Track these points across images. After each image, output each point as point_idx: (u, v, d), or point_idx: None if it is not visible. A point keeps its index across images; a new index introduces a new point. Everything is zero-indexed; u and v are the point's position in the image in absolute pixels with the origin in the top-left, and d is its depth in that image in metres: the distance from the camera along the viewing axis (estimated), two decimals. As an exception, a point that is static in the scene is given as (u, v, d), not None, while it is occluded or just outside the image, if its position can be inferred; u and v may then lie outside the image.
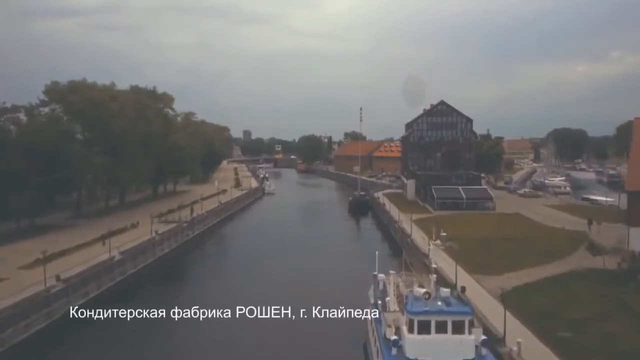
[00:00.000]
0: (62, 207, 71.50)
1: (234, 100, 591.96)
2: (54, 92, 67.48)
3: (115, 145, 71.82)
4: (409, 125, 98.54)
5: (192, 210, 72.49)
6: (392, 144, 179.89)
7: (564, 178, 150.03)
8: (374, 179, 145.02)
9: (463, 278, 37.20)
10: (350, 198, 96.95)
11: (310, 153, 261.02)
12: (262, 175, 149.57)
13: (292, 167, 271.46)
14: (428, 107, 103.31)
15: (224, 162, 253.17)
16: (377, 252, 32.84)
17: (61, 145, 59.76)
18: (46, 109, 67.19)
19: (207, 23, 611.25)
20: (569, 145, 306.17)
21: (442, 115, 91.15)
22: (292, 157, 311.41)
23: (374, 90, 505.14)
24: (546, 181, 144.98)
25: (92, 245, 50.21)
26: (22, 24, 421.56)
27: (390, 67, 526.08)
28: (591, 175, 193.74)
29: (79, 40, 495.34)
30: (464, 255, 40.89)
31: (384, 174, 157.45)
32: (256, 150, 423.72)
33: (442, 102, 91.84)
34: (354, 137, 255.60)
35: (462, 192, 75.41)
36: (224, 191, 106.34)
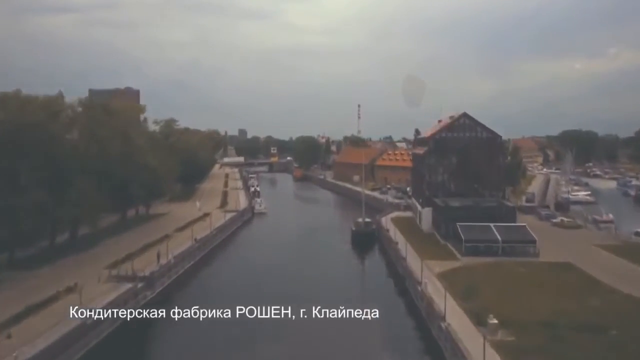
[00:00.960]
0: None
1: (232, 96, 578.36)
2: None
3: (60, 176, 56.33)
4: (422, 142, 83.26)
5: (158, 256, 57.19)
6: (396, 152, 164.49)
7: (589, 192, 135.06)
8: (377, 193, 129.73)
9: None
10: (354, 228, 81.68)
11: (308, 156, 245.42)
12: (253, 188, 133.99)
13: (288, 171, 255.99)
14: (443, 117, 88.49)
15: (216, 167, 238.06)
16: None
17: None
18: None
19: (205, 19, 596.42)
20: (579, 147, 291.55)
21: (464, 130, 75.89)
22: (289, 158, 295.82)
23: (372, 87, 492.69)
24: (570, 196, 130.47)
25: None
26: (19, 20, 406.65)
27: (388, 62, 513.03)
28: (610, 184, 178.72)
29: (77, 36, 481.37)
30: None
31: (388, 186, 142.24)
32: (252, 150, 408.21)
33: (464, 115, 76.52)
34: (354, 141, 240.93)
35: (495, 232, 60.18)
36: (205, 216, 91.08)
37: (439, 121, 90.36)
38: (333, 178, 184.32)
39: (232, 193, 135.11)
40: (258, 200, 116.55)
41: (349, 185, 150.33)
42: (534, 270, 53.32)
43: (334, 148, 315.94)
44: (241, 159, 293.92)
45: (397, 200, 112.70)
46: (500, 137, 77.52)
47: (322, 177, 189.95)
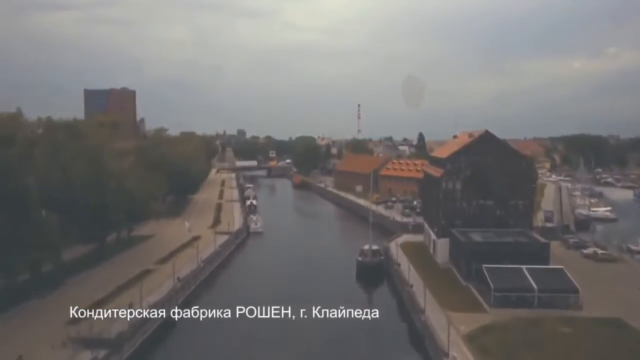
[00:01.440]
0: None
1: (231, 95, 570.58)
2: None
3: (14, 210, 47.21)
4: (437, 162, 74.18)
5: (129, 309, 47.93)
6: (401, 161, 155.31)
7: (609, 208, 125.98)
8: (382, 208, 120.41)
9: None
10: (359, 258, 72.58)
11: (307, 160, 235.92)
12: (249, 201, 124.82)
13: (287, 176, 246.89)
14: (460, 133, 79.52)
15: (213, 171, 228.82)
16: None
17: None
18: None
19: (204, 17, 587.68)
20: (587, 152, 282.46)
21: (486, 151, 66.74)
22: (288, 161, 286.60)
23: (372, 87, 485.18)
24: (590, 212, 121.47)
25: None
26: (17, 17, 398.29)
27: (388, 63, 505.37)
28: (625, 194, 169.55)
29: (75, 34, 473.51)
30: None
31: (394, 199, 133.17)
32: (250, 152, 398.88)
33: (486, 134, 67.43)
34: (356, 147, 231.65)
35: (529, 277, 51.10)
36: (195, 240, 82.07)
37: (455, 137, 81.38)
38: (334, 186, 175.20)
39: (226, 207, 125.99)
40: (254, 218, 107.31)
41: (351, 197, 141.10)
42: (580, 331, 44.23)
43: (334, 150, 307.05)
44: (239, 163, 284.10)
45: (405, 219, 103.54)
46: (527, 159, 68.41)
47: (322, 185, 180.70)
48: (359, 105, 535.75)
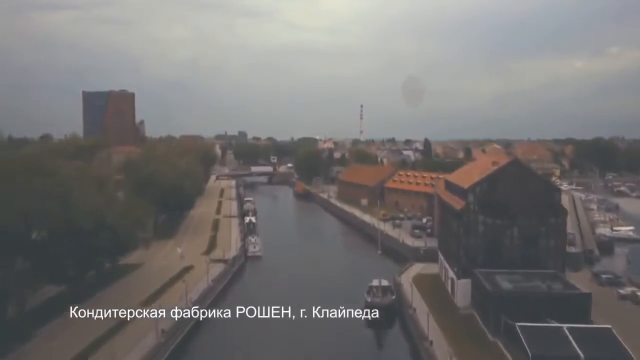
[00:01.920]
0: None
1: (231, 95, 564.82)
2: None
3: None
4: (456, 190, 66.45)
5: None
6: (408, 174, 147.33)
7: (632, 227, 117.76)
8: (389, 226, 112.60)
9: None
10: (368, 299, 64.72)
11: (309, 166, 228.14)
12: (248, 219, 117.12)
13: (289, 183, 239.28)
14: (478, 155, 71.43)
15: (212, 178, 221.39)
16: None
17: None
18: None
19: (204, 16, 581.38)
20: (596, 157, 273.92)
21: (513, 180, 59.05)
22: (289, 165, 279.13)
23: (374, 86, 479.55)
24: (613, 233, 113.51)
25: None
26: (17, 16, 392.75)
27: (390, 63, 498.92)
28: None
29: (75, 34, 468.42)
30: None
31: (402, 216, 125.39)
32: (251, 155, 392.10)
33: (513, 162, 59.71)
34: (360, 157, 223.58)
35: (572, 340, 43.35)
36: (186, 271, 74.69)
37: (473, 158, 73.39)
38: (338, 197, 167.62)
39: (224, 224, 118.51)
40: (252, 240, 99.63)
41: (357, 213, 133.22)
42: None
43: (337, 154, 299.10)
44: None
45: (415, 242, 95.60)
46: (559, 190, 60.71)
47: (325, 196, 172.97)
48: (361, 106, 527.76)
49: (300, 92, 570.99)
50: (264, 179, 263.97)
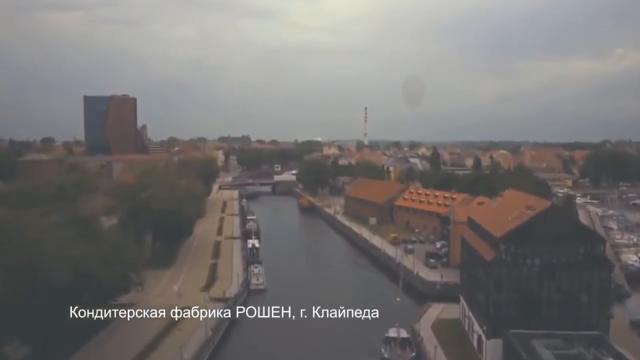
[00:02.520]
0: None
1: (234, 95, 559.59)
2: None
3: None
4: (486, 236, 59.48)
5: None
6: (419, 191, 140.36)
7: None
8: (401, 251, 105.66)
9: None
10: (386, 354, 58.19)
11: (314, 176, 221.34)
12: (250, 244, 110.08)
13: (293, 194, 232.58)
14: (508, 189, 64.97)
15: (215, 189, 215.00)
16: None
17: None
18: None
19: (210, 16, 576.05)
20: (610, 166, 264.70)
21: (551, 230, 52.08)
22: (293, 172, 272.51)
23: (377, 86, 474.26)
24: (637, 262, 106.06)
25: None
26: (21, 17, 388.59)
27: (391, 62, 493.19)
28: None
29: (80, 34, 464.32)
30: None
31: (414, 239, 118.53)
32: (254, 160, 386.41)
33: (551, 208, 52.74)
34: (366, 169, 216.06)
35: None
36: (185, 309, 67.73)
37: (500, 195, 66.85)
38: (345, 213, 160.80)
39: (225, 248, 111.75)
40: (255, 270, 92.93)
41: (365, 234, 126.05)
42: None
43: (343, 162, 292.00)
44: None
45: (431, 276, 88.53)
46: (604, 241, 53.67)
47: (332, 212, 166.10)
48: (365, 108, 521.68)
49: (303, 93, 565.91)
50: (267, 188, 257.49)
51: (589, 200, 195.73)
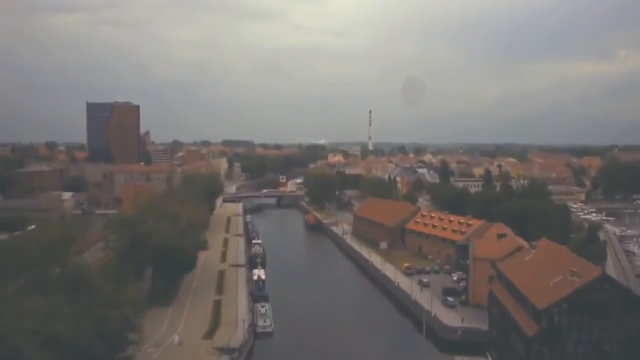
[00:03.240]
0: None
1: (238, 98, 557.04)
2: None
3: None
4: (518, 296, 53.28)
5: None
6: (433, 215, 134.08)
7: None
8: (415, 283, 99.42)
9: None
10: None
11: (320, 190, 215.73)
12: (256, 275, 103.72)
13: (298, 207, 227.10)
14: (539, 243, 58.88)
15: (219, 202, 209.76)
16: None
17: None
18: None
19: (212, 18, 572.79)
20: (623, 179, 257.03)
21: (602, 301, 45.88)
22: (298, 182, 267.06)
23: (379, 88, 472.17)
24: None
25: None
26: (23, 19, 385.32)
27: (394, 64, 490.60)
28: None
29: (84, 35, 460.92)
30: None
31: (428, 270, 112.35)
32: (258, 168, 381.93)
33: (601, 277, 46.54)
34: (375, 187, 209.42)
35: None
36: None
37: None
38: (353, 234, 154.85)
39: (230, 278, 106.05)
40: (262, 310, 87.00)
41: (376, 262, 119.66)
42: None
43: (350, 171, 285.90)
44: (244, 192, 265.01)
45: (450, 319, 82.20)
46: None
47: (340, 232, 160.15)
48: (370, 112, 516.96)
49: (306, 95, 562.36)
50: (272, 200, 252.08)
51: (604, 218, 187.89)
